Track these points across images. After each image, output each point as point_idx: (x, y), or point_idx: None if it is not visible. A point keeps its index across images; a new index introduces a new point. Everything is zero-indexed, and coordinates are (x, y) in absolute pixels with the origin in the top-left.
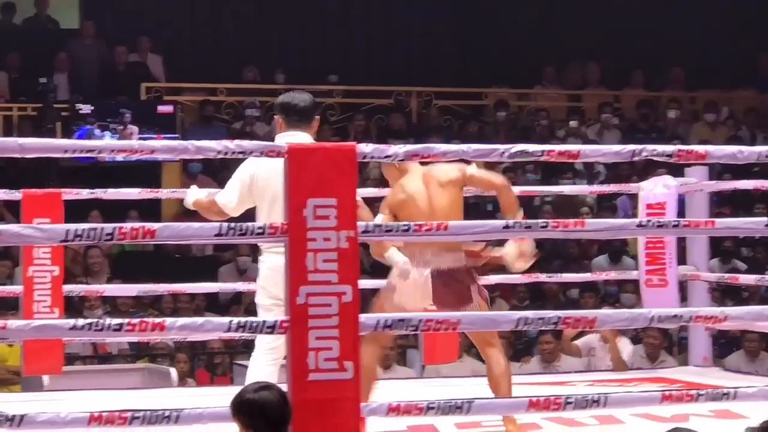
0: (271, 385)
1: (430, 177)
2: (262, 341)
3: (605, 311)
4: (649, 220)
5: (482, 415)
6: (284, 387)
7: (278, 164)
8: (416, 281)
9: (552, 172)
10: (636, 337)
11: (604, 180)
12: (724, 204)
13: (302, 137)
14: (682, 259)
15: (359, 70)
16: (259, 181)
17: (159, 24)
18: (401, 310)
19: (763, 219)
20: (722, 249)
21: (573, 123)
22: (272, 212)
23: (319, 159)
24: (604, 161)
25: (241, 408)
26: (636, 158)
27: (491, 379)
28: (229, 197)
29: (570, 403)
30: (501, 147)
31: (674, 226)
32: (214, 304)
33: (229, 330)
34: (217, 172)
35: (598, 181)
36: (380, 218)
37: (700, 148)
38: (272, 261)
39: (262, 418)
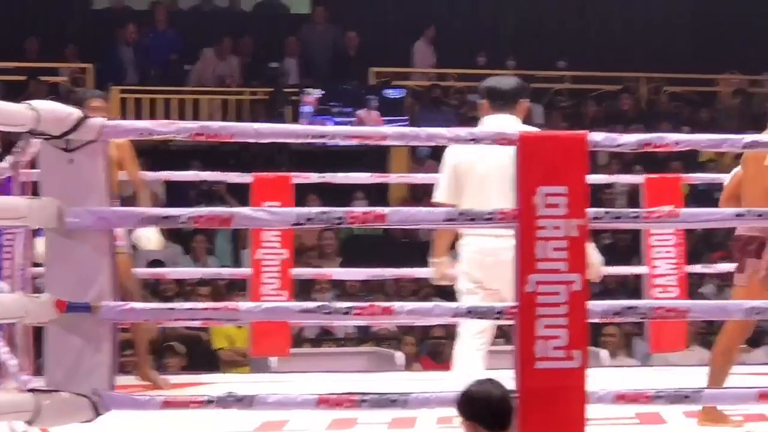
0: (494, 379)
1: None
2: (466, 328)
3: None
4: None
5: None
6: (491, 374)
7: (482, 148)
8: None
9: None
10: None
11: None
12: None
13: (507, 119)
14: None
15: (589, 56)
16: (462, 167)
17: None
18: None
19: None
20: None
21: None
22: (479, 197)
23: (550, 147)
24: None
25: (465, 402)
26: None
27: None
28: (441, 195)
29: None
30: (734, 137)
31: None
32: (439, 289)
33: (456, 315)
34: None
35: None
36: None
37: None
38: (477, 244)
39: (485, 412)
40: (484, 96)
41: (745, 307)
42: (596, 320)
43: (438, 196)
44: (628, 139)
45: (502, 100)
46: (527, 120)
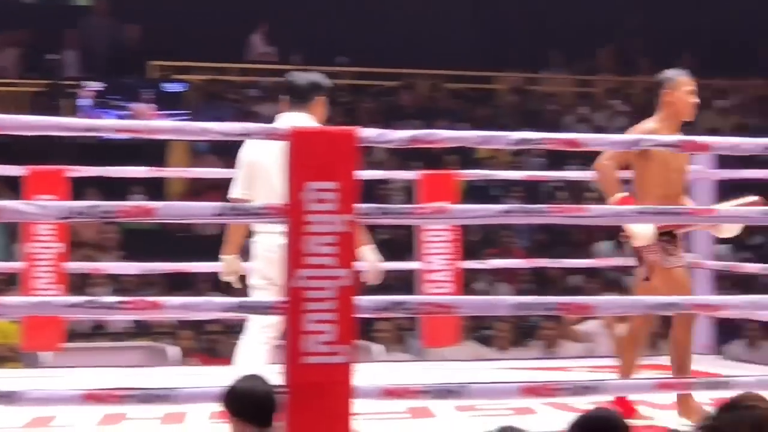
0: (259, 374)
1: None
2: (254, 321)
3: (602, 298)
4: (648, 208)
5: (481, 399)
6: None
7: (272, 145)
8: None
9: (558, 157)
10: None
11: None
12: (734, 192)
13: (299, 118)
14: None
15: (369, 52)
16: (253, 163)
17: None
18: None
19: (765, 208)
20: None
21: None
22: (269, 193)
23: (320, 142)
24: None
25: (228, 398)
26: (636, 148)
27: None
28: (236, 190)
29: (563, 389)
30: (503, 134)
31: (675, 213)
32: (218, 284)
33: (227, 309)
34: (226, 151)
35: None
36: None
37: (701, 139)
38: (267, 241)
39: (250, 408)
40: (284, 92)
41: (509, 303)
42: (365, 315)
43: (233, 192)
44: (398, 135)
45: (296, 97)
46: (327, 117)
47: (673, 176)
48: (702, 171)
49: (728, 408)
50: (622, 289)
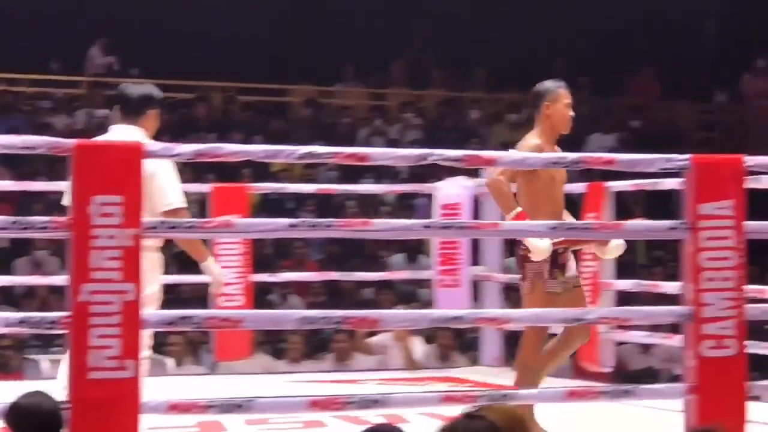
0: (42, 391)
1: None
2: None
3: (388, 312)
4: (435, 221)
5: (269, 413)
6: None
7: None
8: None
9: (353, 170)
10: (431, 336)
11: (406, 179)
12: None
13: (129, 131)
14: (480, 259)
15: (163, 64)
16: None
17: None
18: None
19: (549, 222)
20: None
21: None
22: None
23: (105, 157)
24: (393, 164)
25: (13, 414)
26: (423, 162)
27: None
28: (182, 198)
29: (351, 403)
30: (290, 148)
31: (460, 227)
32: (8, 298)
33: (10, 325)
34: (19, 164)
35: (399, 180)
36: None
37: (487, 154)
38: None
39: (34, 424)
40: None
41: (296, 317)
42: (152, 330)
43: (181, 200)
44: (184, 149)
45: (128, 109)
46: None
47: (558, 192)
48: None
49: (461, 418)
50: (415, 302)
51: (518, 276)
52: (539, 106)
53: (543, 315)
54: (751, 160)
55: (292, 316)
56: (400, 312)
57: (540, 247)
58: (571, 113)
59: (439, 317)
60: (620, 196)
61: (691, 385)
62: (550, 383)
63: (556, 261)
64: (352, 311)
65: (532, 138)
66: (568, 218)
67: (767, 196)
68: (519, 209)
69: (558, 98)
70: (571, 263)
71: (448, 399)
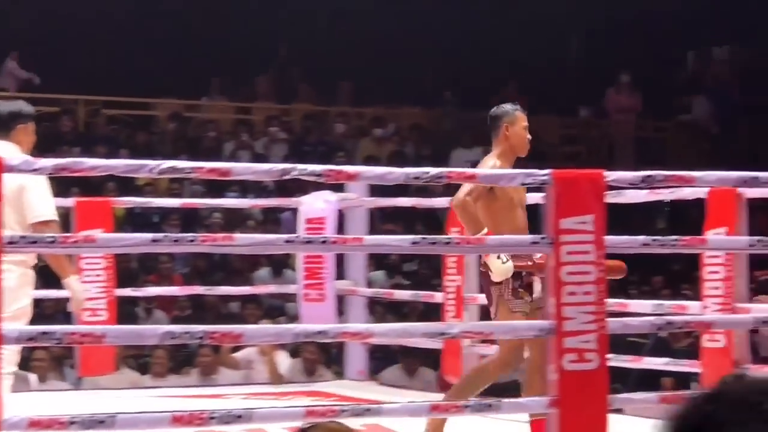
0: None
1: None
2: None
3: (252, 326)
4: (297, 236)
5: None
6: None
7: None
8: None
9: (219, 184)
10: (296, 351)
11: (272, 194)
12: (389, 220)
13: (2, 146)
14: (345, 274)
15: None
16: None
17: None
18: None
19: (410, 237)
20: (386, 263)
21: (244, 136)
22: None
23: None
24: (255, 179)
25: None
26: (286, 177)
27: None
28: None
29: (214, 418)
30: (152, 163)
31: (322, 242)
32: None
33: None
34: None
35: (266, 196)
36: None
37: (350, 169)
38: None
39: None
40: None
41: (158, 332)
42: (11, 345)
43: (51, 212)
44: (46, 163)
45: None
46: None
47: (519, 212)
48: (355, 199)
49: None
50: (281, 316)
51: (484, 298)
52: (498, 128)
53: (408, 329)
54: (611, 175)
55: (154, 331)
56: (263, 327)
57: (501, 268)
58: (529, 136)
59: (303, 331)
60: None
61: (554, 398)
62: (414, 397)
63: (521, 281)
64: (215, 326)
65: (491, 159)
66: None
67: (629, 210)
68: (485, 230)
69: (516, 121)
70: (537, 285)
71: (311, 413)
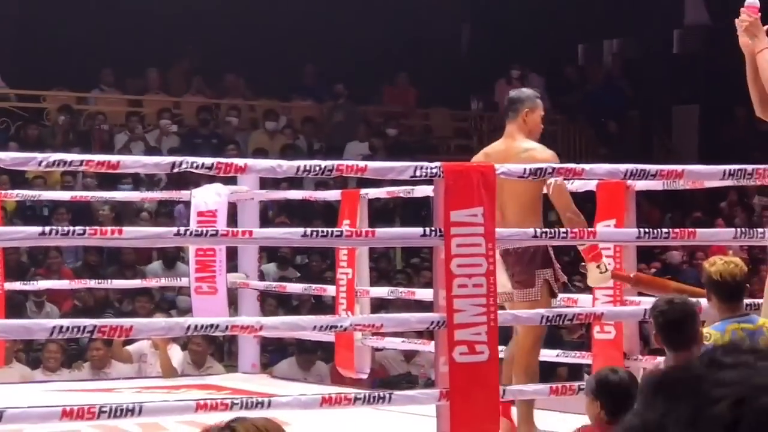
0: None
1: None
2: None
3: (142, 320)
4: (186, 229)
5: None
6: None
7: None
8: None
9: (112, 177)
10: (188, 344)
11: (166, 186)
12: (284, 212)
13: None
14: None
15: None
16: None
17: None
18: None
19: (300, 230)
20: (279, 255)
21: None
22: None
23: None
24: (145, 172)
25: None
26: (176, 170)
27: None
28: None
29: (105, 412)
30: (40, 156)
31: (212, 235)
32: None
33: None
34: None
35: (160, 188)
36: None
37: (239, 161)
38: None
39: None
40: None
41: (47, 326)
42: None
43: None
44: None
45: None
46: None
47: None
48: (247, 192)
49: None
50: (173, 309)
51: (511, 283)
52: (517, 111)
53: (300, 322)
54: (501, 168)
55: (43, 325)
56: (154, 320)
57: (599, 277)
58: (542, 126)
59: (195, 325)
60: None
61: (444, 390)
62: (306, 390)
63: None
64: (105, 320)
65: (527, 143)
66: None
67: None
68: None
69: (537, 108)
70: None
71: (203, 407)
